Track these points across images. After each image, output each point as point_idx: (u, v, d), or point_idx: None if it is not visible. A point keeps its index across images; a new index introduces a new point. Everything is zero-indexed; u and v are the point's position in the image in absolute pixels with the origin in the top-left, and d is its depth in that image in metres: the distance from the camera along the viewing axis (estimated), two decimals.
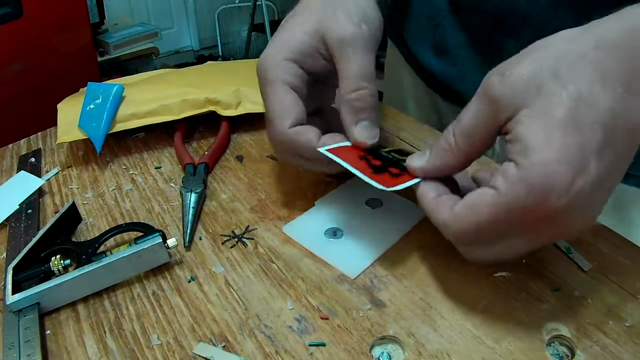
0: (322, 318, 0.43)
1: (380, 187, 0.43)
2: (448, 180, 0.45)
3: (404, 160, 0.46)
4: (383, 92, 1.01)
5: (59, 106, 0.72)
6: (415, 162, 0.45)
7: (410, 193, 0.46)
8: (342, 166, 0.46)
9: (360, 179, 0.45)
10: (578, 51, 0.37)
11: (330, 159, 0.47)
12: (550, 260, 0.48)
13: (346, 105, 0.50)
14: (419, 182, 0.44)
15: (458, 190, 0.44)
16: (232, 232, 0.54)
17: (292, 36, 0.52)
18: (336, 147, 0.49)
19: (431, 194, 0.43)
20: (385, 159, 0.48)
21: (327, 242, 0.51)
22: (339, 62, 0.51)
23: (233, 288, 0.47)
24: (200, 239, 0.53)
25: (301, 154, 0.51)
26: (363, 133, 0.50)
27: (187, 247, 0.52)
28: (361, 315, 0.44)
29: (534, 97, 0.37)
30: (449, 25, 0.73)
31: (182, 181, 0.60)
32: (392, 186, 0.43)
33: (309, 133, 0.50)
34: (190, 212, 0.55)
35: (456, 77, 0.74)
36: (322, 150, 0.48)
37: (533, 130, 0.36)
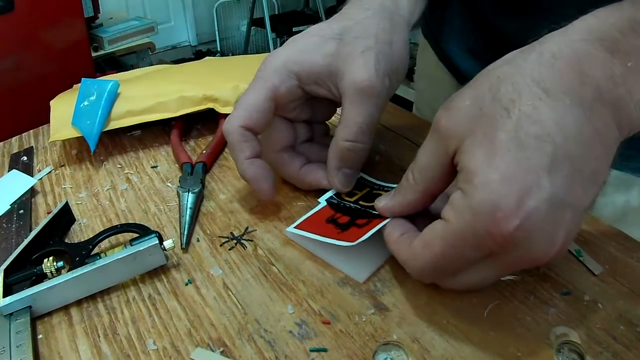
0: (323, 323, 0.43)
1: (346, 244, 0.46)
2: (417, 215, 0.47)
3: (372, 207, 0.49)
4: (415, 91, 1.02)
5: (51, 103, 0.72)
6: (381, 201, 0.47)
7: None
8: (310, 239, 0.49)
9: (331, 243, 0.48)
10: (518, 70, 0.37)
11: (299, 235, 0.50)
12: (559, 263, 0.47)
13: (336, 149, 0.52)
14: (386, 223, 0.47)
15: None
16: (231, 233, 0.54)
17: (310, 52, 0.52)
18: (303, 221, 0.52)
19: (395, 234, 0.45)
20: (353, 211, 0.51)
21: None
22: (347, 106, 0.50)
23: (232, 291, 0.47)
24: (198, 241, 0.53)
25: (232, 155, 0.53)
26: (341, 180, 0.53)
27: (184, 249, 0.52)
28: (364, 320, 0.44)
29: (476, 123, 0.37)
30: (478, 33, 0.74)
31: (179, 181, 0.60)
32: (358, 238, 0.46)
33: (246, 145, 0.51)
34: (188, 212, 0.55)
35: None
36: (290, 230, 0.51)
37: (475, 155, 0.36)
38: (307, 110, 0.56)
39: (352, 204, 0.52)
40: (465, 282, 0.42)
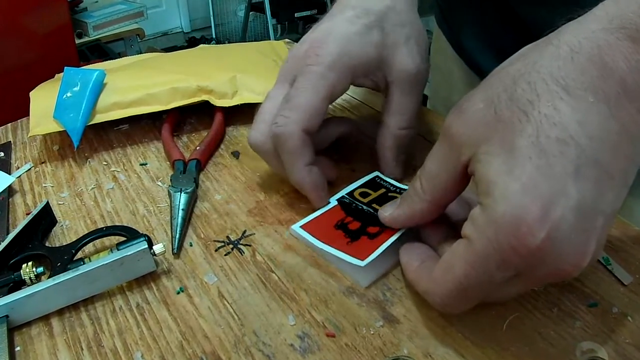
0: (327, 335, 0.44)
1: (356, 262, 0.47)
2: (438, 229, 0.47)
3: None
4: (428, 84, 1.02)
5: (31, 94, 0.72)
6: (386, 210, 0.49)
7: None
8: (315, 246, 0.50)
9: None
10: (534, 67, 0.37)
11: (304, 237, 0.51)
12: (585, 272, 0.47)
13: (393, 139, 0.57)
14: (402, 247, 0.48)
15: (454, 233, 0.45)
16: (227, 237, 0.54)
17: (359, 43, 0.54)
18: (310, 221, 0.52)
19: (414, 263, 0.45)
20: (365, 215, 0.52)
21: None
22: (398, 95, 0.56)
23: (227, 301, 0.47)
24: (191, 245, 0.53)
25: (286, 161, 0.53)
26: (400, 169, 0.58)
27: (176, 254, 0.52)
28: (372, 332, 0.44)
29: (491, 128, 0.37)
30: (501, 26, 0.73)
31: (171, 180, 0.60)
32: (369, 254, 0.47)
33: (307, 150, 0.52)
34: (180, 214, 0.55)
35: None
36: (294, 228, 0.52)
37: (493, 165, 0.36)
38: None
39: (364, 206, 0.53)
40: (490, 301, 0.42)
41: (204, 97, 0.71)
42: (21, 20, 2.12)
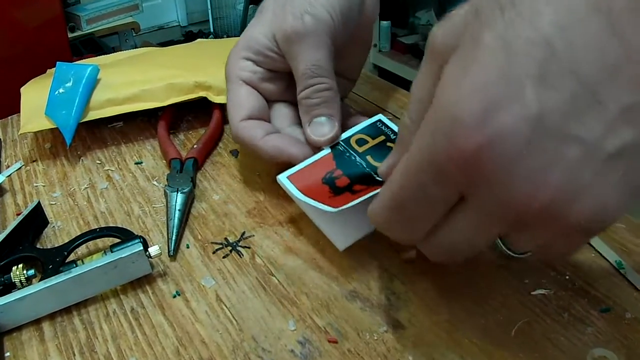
0: (329, 341, 0.44)
1: (328, 209, 0.46)
2: None
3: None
4: None
5: (22, 90, 0.73)
6: (383, 165, 0.44)
7: None
8: (295, 197, 0.50)
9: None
10: None
11: (286, 186, 0.51)
12: (597, 276, 0.47)
13: (300, 106, 0.56)
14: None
15: None
16: (225, 239, 0.54)
17: (251, 35, 0.58)
18: (298, 171, 0.52)
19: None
20: (356, 169, 0.51)
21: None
22: (289, 62, 0.56)
23: (225, 305, 0.47)
24: (188, 247, 0.53)
25: (247, 148, 0.57)
26: (316, 130, 0.55)
27: (172, 257, 0.52)
28: (375, 338, 0.44)
29: (467, 29, 0.33)
30: None
31: (167, 179, 0.60)
32: (342, 205, 0.46)
33: (255, 129, 0.56)
34: (176, 215, 0.55)
35: None
36: (280, 178, 0.51)
37: (453, 65, 0.33)
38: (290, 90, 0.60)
39: (358, 157, 0.52)
40: (445, 242, 0.38)
41: (202, 94, 0.71)
42: (11, 13, 2.12)
